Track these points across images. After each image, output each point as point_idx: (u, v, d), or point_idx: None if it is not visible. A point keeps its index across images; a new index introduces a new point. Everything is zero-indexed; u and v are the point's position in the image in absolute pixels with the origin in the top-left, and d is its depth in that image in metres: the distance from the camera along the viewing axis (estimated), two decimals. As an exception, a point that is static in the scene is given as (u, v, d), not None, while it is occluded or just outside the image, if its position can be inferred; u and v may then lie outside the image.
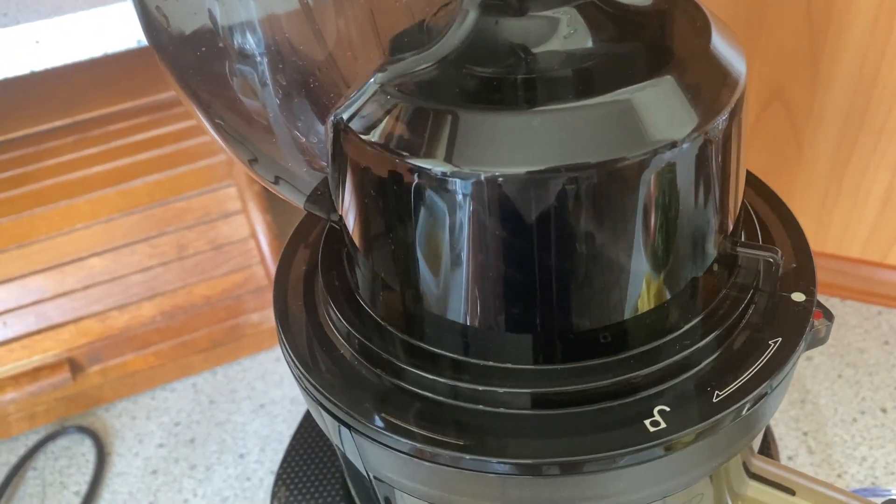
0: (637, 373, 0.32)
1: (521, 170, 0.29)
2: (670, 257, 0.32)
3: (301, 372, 0.35)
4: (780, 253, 0.34)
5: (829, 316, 0.36)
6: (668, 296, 0.33)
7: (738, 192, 0.35)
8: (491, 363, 0.33)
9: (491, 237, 0.31)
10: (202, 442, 0.86)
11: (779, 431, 0.80)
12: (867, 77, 0.80)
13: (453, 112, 0.30)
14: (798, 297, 0.36)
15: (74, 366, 0.87)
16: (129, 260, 0.87)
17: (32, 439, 0.88)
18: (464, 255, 0.31)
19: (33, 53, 0.78)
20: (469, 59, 0.31)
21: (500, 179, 0.29)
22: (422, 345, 0.34)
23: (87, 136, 0.91)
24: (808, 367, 0.86)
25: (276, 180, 0.38)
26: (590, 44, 0.32)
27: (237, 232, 0.89)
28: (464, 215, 0.30)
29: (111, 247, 0.86)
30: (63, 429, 0.88)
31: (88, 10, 0.77)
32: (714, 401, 0.32)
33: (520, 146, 0.29)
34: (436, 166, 0.30)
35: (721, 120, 0.31)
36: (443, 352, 0.34)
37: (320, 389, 0.34)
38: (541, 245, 0.30)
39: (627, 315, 0.32)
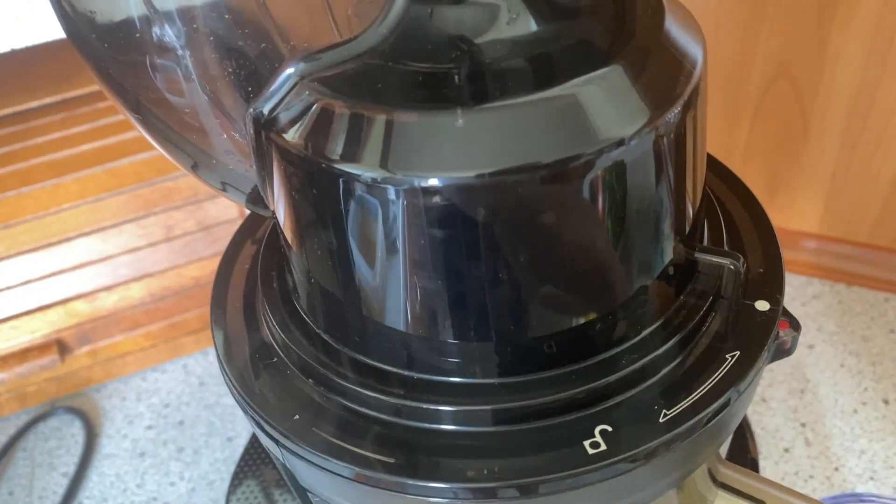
0: (578, 389, 0.30)
1: (457, 175, 0.27)
2: (619, 263, 0.30)
3: (235, 384, 0.34)
4: (741, 259, 0.32)
5: (795, 325, 0.33)
6: (617, 305, 0.31)
7: (696, 190, 0.32)
8: (428, 377, 0.31)
9: (426, 245, 0.29)
10: (191, 424, 0.86)
11: (776, 422, 0.77)
12: (878, 52, 0.76)
13: (384, 111, 0.28)
14: (762, 305, 0.33)
15: (63, 347, 0.87)
16: (116, 240, 0.86)
17: (23, 419, 0.88)
18: (399, 265, 0.29)
19: (14, 30, 0.77)
20: (400, 51, 0.29)
21: (436, 185, 0.27)
22: (356, 355, 0.32)
23: (75, 113, 0.90)
24: (810, 355, 0.83)
25: (223, 186, 0.36)
26: (532, 33, 0.29)
27: (225, 213, 0.88)
28: (398, 222, 0.28)
29: (99, 227, 0.85)
30: (53, 409, 0.88)
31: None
32: (660, 420, 0.30)
33: (455, 149, 0.27)
34: (366, 172, 0.28)
35: (674, 113, 0.29)
36: (379, 364, 0.32)
37: (251, 404, 0.32)
38: (472, 252, 0.28)
39: (569, 326, 0.30)
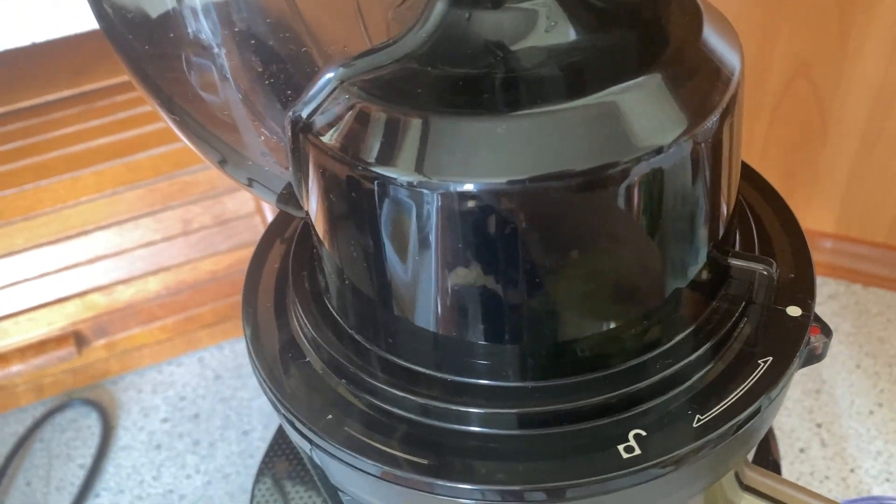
0: (613, 393, 0.30)
1: (492, 181, 0.27)
2: (654, 269, 0.30)
3: (266, 381, 0.34)
4: (774, 265, 0.32)
5: (826, 332, 0.33)
6: (652, 310, 0.31)
7: (730, 196, 0.32)
8: (459, 379, 0.31)
9: (460, 248, 0.29)
10: (207, 417, 0.86)
11: (791, 423, 0.77)
12: (900, 53, 0.76)
13: (421, 115, 0.28)
14: (794, 311, 0.33)
15: (80, 339, 0.87)
16: (133, 234, 0.86)
17: (40, 411, 0.89)
18: (432, 267, 0.29)
19: (35, 23, 0.77)
20: (439, 56, 0.29)
21: (471, 190, 0.27)
22: (388, 356, 0.33)
23: (93, 107, 0.90)
24: (826, 355, 0.83)
25: (250, 182, 0.36)
26: (571, 40, 0.29)
27: (243, 207, 0.88)
28: (432, 226, 0.29)
29: (116, 220, 0.86)
30: (70, 401, 0.89)
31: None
32: (694, 426, 0.30)
33: (492, 155, 0.27)
34: (402, 175, 0.28)
35: (712, 122, 0.29)
36: (410, 365, 0.32)
37: (283, 401, 0.33)
38: (506, 256, 0.28)
39: (605, 330, 0.30)
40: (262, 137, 0.35)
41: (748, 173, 0.40)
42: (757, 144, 0.88)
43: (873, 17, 0.75)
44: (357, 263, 0.31)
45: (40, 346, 0.86)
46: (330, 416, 0.32)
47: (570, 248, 0.28)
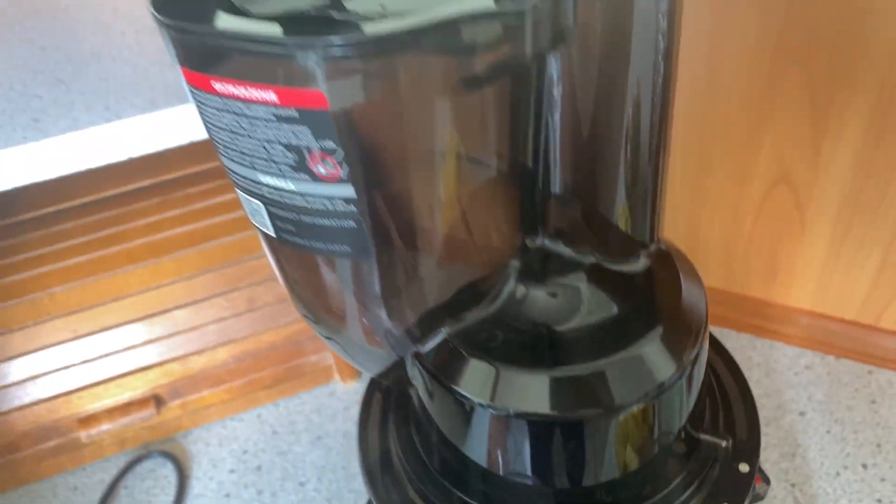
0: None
1: (540, 411, 0.41)
2: (654, 450, 0.44)
3: (370, 487, 0.48)
4: (731, 440, 0.46)
5: (766, 480, 0.47)
6: (648, 474, 0.45)
7: (700, 388, 0.46)
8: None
9: (516, 444, 0.43)
10: (267, 469, 1.00)
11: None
12: (864, 163, 0.89)
13: (494, 365, 0.42)
14: (744, 467, 0.47)
15: (158, 401, 1.00)
16: (207, 312, 0.99)
17: (123, 461, 1.02)
18: (498, 454, 0.44)
19: (131, 144, 0.90)
20: (506, 319, 0.43)
21: (519, 414, 0.42)
22: (460, 494, 0.47)
23: (169, 198, 1.02)
24: (801, 421, 0.96)
25: (327, 338, 0.47)
26: (598, 309, 0.44)
27: (300, 288, 1.00)
28: (500, 431, 0.43)
29: (192, 300, 0.99)
30: (148, 453, 1.02)
31: (177, 106, 0.88)
32: (676, 556, 0.44)
33: (537, 393, 0.41)
34: (479, 399, 0.42)
35: (693, 355, 0.43)
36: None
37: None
38: (547, 452, 0.42)
39: (615, 491, 0.45)
40: (360, 322, 0.46)
41: (718, 348, 0.54)
42: (744, 235, 1.01)
43: (841, 133, 0.88)
44: (448, 437, 0.46)
45: (125, 408, 0.99)
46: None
47: (594, 449, 0.43)
